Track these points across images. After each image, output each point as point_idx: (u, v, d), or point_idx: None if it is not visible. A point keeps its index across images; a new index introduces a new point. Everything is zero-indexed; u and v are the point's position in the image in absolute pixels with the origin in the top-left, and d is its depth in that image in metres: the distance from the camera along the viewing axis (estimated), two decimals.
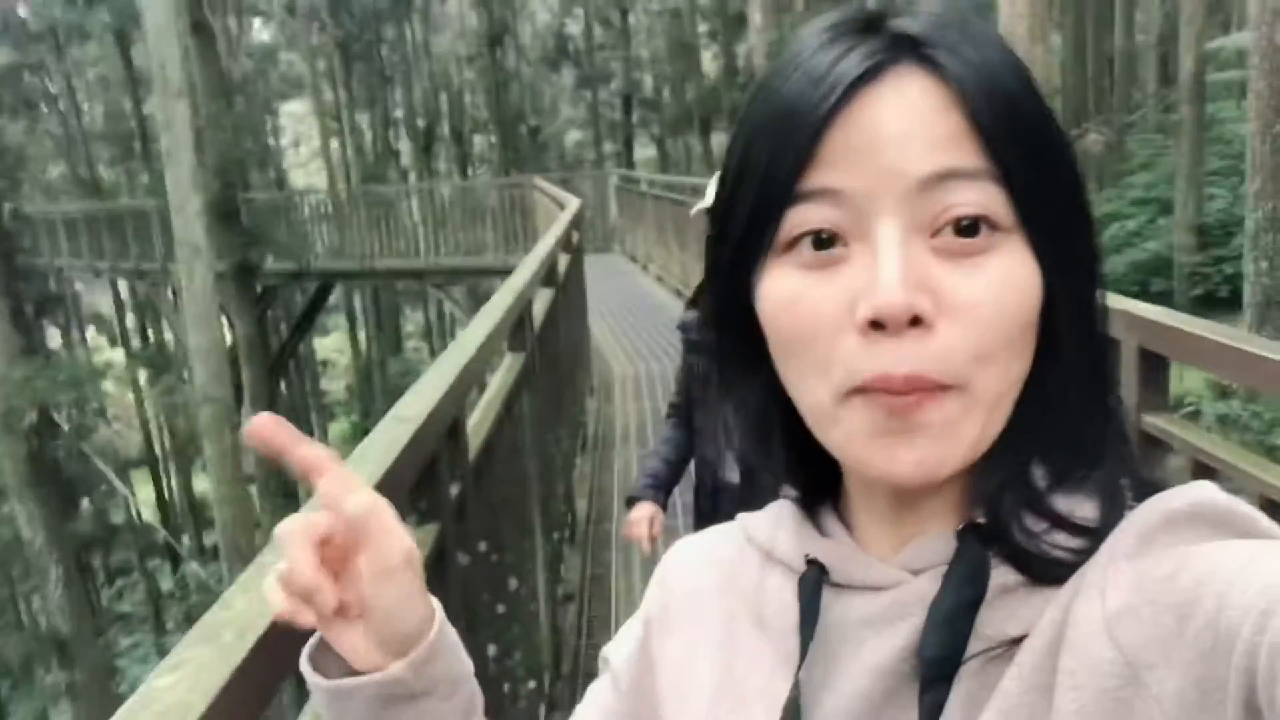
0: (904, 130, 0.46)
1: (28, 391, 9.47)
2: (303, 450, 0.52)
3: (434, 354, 27.79)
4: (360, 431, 23.98)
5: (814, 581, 0.54)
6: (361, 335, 24.14)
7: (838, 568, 0.54)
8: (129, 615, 21.71)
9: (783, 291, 0.49)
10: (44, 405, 9.92)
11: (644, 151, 30.08)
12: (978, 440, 0.47)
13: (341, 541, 0.52)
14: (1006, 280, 0.46)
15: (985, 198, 0.46)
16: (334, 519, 0.51)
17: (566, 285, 5.52)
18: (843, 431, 0.48)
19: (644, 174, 16.77)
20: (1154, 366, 2.09)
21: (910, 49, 0.47)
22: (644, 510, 2.45)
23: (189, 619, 20.34)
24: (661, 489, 2.49)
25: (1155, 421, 2.06)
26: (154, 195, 18.23)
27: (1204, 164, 11.25)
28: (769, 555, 0.59)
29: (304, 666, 0.57)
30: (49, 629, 9.93)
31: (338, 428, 28.87)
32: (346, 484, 0.52)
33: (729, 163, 0.52)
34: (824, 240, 0.47)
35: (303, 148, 33.18)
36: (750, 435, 0.58)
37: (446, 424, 1.92)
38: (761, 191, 0.48)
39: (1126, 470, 0.50)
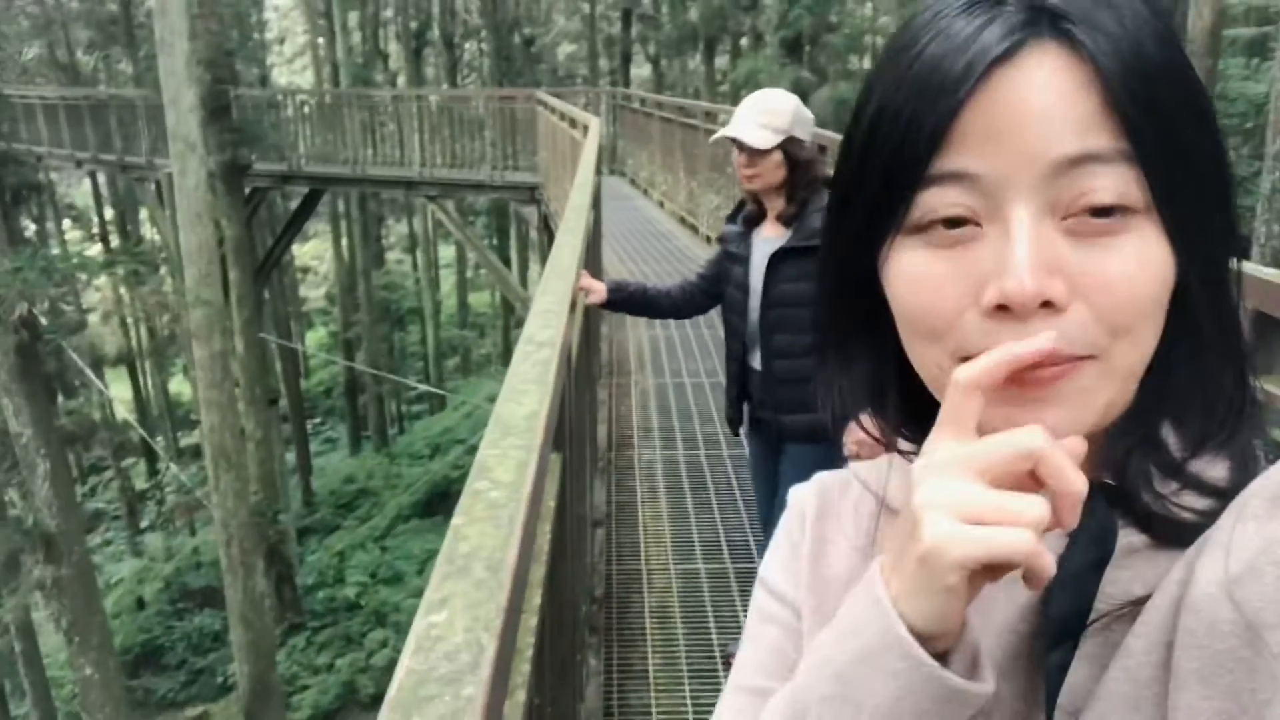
0: (1041, 111, 0.45)
1: (17, 283, 9.23)
2: None
3: (416, 267, 27.45)
4: (341, 341, 23.77)
5: None
6: (344, 243, 23.72)
7: None
8: (103, 513, 21.73)
9: (908, 267, 0.49)
10: (30, 298, 9.68)
11: (639, 70, 29.40)
12: (1108, 408, 0.48)
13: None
14: (1140, 259, 0.46)
15: (1121, 182, 0.45)
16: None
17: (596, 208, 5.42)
18: None
19: (651, 94, 16.41)
20: (1268, 329, 2.08)
21: (1049, 21, 0.46)
22: (595, 284, 2.88)
23: (166, 519, 20.42)
24: (621, 290, 2.92)
25: (1266, 386, 2.07)
26: (138, 84, 17.60)
27: None
28: (889, 510, 0.61)
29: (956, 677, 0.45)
30: (36, 524, 9.87)
31: (315, 336, 28.62)
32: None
33: (858, 125, 0.51)
34: (954, 221, 0.47)
35: (287, 45, 32.03)
36: (864, 393, 0.59)
37: (566, 349, 1.88)
38: (893, 169, 0.48)
39: (1260, 433, 0.50)
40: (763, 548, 3.32)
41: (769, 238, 2.62)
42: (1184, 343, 0.49)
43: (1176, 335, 0.48)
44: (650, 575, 3.91)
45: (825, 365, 0.60)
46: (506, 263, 23.12)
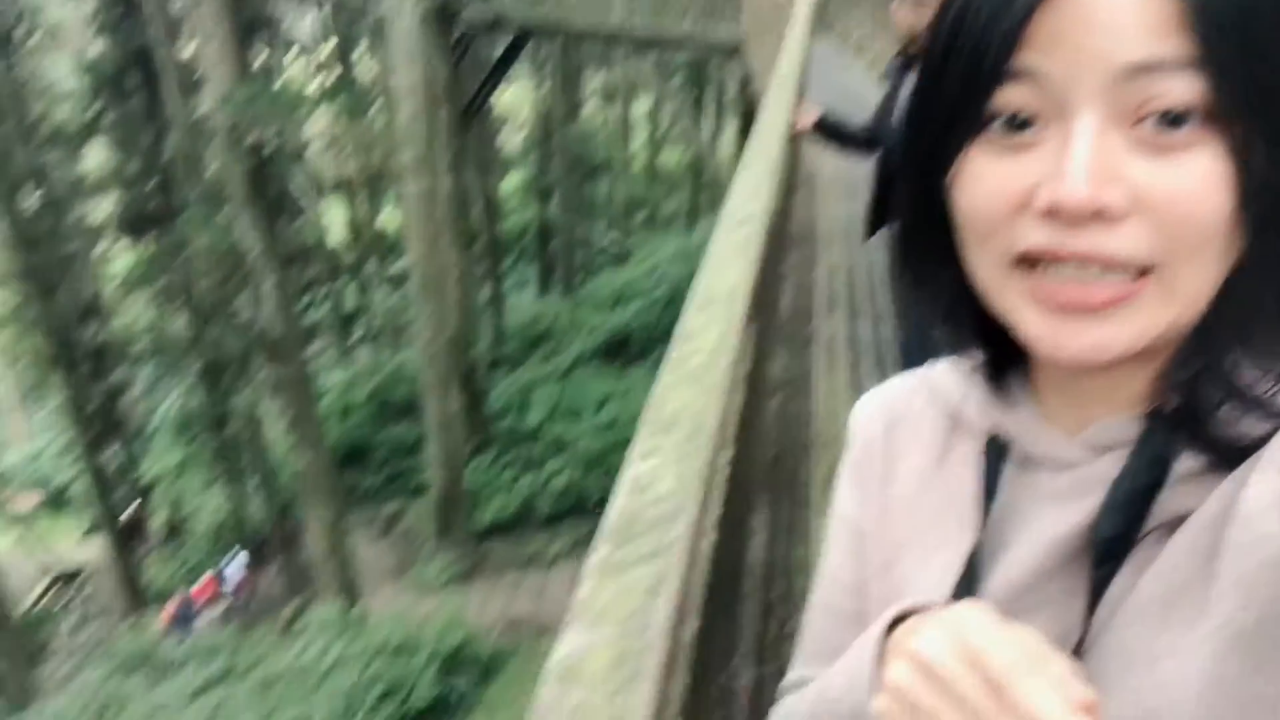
0: (1113, 13, 0.44)
1: (250, 111, 9.97)
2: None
3: (608, 121, 27.46)
4: (536, 189, 24.38)
5: (998, 452, 0.56)
6: (543, 92, 23.97)
7: (1022, 442, 0.55)
8: (318, 325, 23.81)
9: (972, 169, 0.49)
10: (261, 125, 10.45)
11: None
12: (1165, 330, 0.47)
13: None
14: (1209, 176, 0.44)
15: (1192, 90, 0.43)
16: None
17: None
18: (1009, 304, 0.49)
19: None
20: None
21: None
22: (811, 107, 3.35)
23: (375, 337, 22.14)
24: (834, 121, 3.36)
25: None
26: None
27: None
28: (957, 421, 0.61)
29: None
30: (263, 330, 11.01)
31: (511, 181, 29.47)
32: None
33: (939, 31, 0.50)
34: (1019, 123, 0.47)
35: None
36: (938, 310, 0.59)
37: (774, 221, 1.92)
38: (969, 71, 0.48)
39: None
40: None
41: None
42: (1256, 263, 0.47)
43: (1256, 256, 0.46)
44: (822, 447, 3.99)
45: (903, 278, 0.60)
46: (700, 122, 22.74)
